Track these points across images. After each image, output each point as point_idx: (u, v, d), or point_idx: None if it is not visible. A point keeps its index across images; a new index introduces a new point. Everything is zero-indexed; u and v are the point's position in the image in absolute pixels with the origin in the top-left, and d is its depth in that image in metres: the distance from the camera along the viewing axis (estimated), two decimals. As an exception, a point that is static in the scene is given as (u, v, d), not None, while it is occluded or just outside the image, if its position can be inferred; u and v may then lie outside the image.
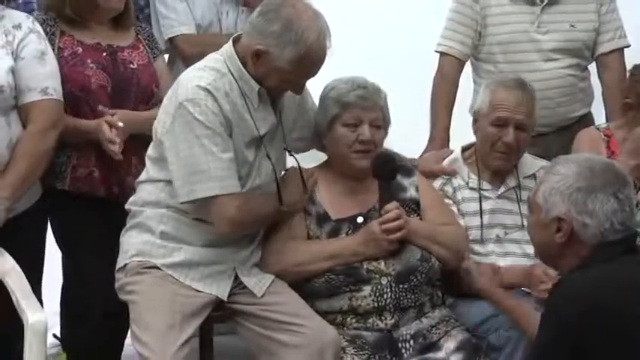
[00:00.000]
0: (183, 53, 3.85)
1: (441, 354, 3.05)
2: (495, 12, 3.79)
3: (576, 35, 3.79)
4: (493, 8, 3.80)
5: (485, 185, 3.40)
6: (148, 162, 3.08)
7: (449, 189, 3.41)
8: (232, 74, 2.96)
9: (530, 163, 3.44)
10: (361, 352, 3.02)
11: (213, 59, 3.01)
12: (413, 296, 3.08)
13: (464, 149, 3.49)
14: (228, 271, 3.04)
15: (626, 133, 3.47)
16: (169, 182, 2.97)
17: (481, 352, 3.09)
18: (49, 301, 3.34)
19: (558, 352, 2.32)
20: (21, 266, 3.01)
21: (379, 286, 3.05)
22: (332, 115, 3.14)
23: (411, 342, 3.05)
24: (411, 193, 3.25)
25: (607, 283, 2.35)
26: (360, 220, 3.16)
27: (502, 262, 3.31)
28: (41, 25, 3.26)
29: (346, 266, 3.06)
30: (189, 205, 2.96)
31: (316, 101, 3.25)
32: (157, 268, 2.99)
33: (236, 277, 3.06)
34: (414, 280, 3.09)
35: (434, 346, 3.06)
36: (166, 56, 3.88)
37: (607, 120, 3.83)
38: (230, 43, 3.01)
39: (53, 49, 3.26)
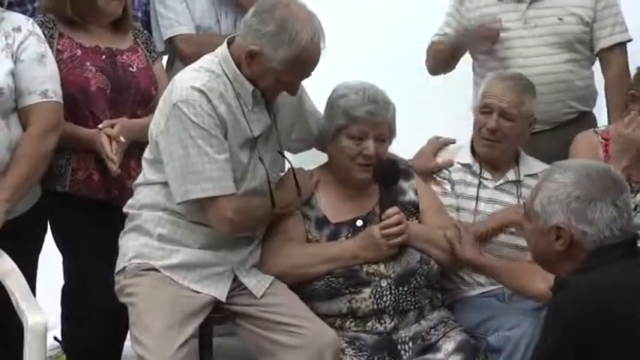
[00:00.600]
0: (182, 53, 3.84)
1: (439, 355, 3.05)
2: (484, 13, 3.82)
3: (565, 28, 3.78)
4: (483, 9, 3.83)
5: (486, 175, 3.42)
6: (144, 164, 3.08)
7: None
8: (227, 75, 2.94)
9: (532, 163, 3.45)
10: (360, 354, 3.02)
11: (207, 60, 3.00)
12: (413, 299, 3.09)
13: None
14: (227, 272, 3.04)
15: None
16: (166, 184, 2.98)
17: (480, 353, 3.10)
18: (49, 302, 3.33)
19: (564, 353, 2.32)
20: (19, 268, 3.01)
21: (379, 289, 3.06)
22: (338, 125, 3.13)
23: (410, 344, 3.05)
24: (410, 196, 3.25)
25: (608, 286, 2.34)
26: (359, 223, 3.16)
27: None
28: (40, 27, 3.25)
29: (346, 269, 3.06)
30: (187, 207, 2.96)
31: (317, 101, 3.25)
32: (156, 270, 2.99)
33: (235, 279, 3.06)
34: (414, 282, 3.09)
35: (433, 348, 3.07)
36: (166, 57, 3.89)
37: (608, 119, 3.82)
38: (225, 44, 2.99)
39: (52, 52, 3.25)
